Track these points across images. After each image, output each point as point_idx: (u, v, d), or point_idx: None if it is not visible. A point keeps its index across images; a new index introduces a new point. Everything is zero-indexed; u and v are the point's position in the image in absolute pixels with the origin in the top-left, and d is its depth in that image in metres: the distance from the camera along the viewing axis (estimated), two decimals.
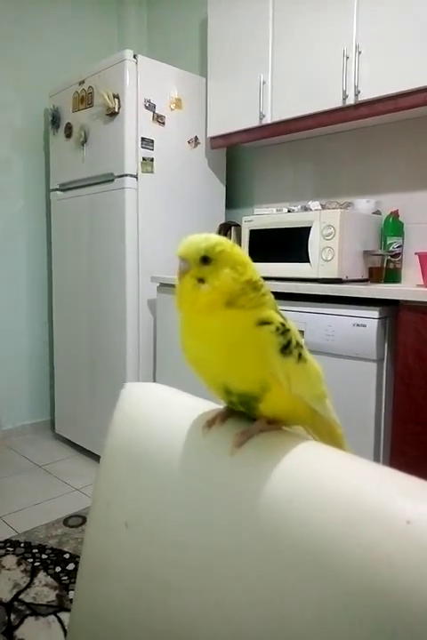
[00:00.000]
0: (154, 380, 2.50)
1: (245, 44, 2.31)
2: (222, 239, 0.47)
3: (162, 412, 0.56)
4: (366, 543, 0.34)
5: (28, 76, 2.91)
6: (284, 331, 0.46)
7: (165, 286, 2.33)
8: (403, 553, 0.33)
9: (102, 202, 2.48)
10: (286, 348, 0.46)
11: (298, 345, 0.48)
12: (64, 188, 2.74)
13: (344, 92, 1.96)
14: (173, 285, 2.28)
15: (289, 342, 0.46)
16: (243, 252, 0.48)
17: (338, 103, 1.99)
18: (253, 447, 0.47)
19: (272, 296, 0.49)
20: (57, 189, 2.79)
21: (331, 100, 2.01)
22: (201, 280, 0.45)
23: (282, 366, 0.46)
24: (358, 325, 1.69)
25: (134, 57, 2.32)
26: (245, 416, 0.50)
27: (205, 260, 0.45)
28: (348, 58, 1.93)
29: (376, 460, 1.71)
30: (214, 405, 0.54)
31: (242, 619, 0.42)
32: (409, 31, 1.78)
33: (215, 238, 0.46)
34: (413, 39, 1.78)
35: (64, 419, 2.90)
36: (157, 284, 2.39)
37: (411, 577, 0.32)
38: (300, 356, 0.48)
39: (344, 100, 1.97)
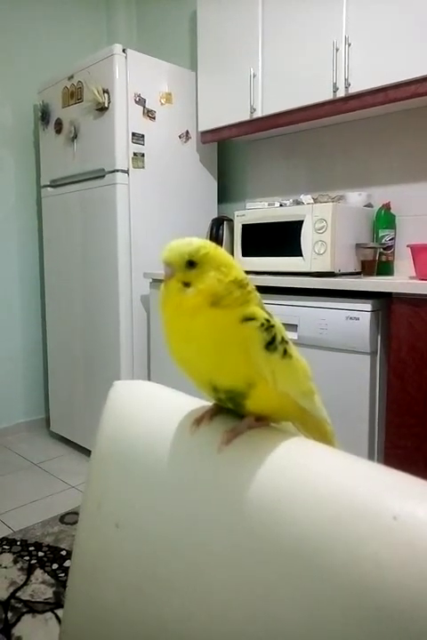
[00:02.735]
0: (148, 376, 2.50)
1: (235, 37, 2.30)
2: (205, 242, 0.47)
3: (151, 410, 0.56)
4: (354, 540, 0.34)
5: (16, 72, 2.88)
6: (268, 327, 0.46)
7: (158, 282, 2.32)
8: (390, 549, 0.33)
9: (93, 197, 2.46)
10: (270, 344, 0.46)
11: (283, 341, 0.48)
12: (55, 184, 2.73)
13: (335, 85, 1.95)
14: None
15: (274, 338, 0.46)
16: (226, 252, 0.48)
17: (329, 96, 1.98)
18: (242, 444, 0.46)
19: (257, 293, 0.49)
20: (48, 186, 2.77)
21: (322, 93, 2.00)
22: (187, 284, 0.45)
23: (267, 362, 0.46)
24: (351, 318, 1.69)
25: (124, 51, 2.30)
26: (233, 413, 0.50)
27: (191, 263, 0.45)
28: (338, 50, 1.93)
29: (371, 453, 1.71)
30: (203, 402, 0.54)
31: (232, 616, 0.41)
32: (399, 23, 1.78)
33: (198, 242, 0.46)
34: (403, 31, 1.77)
35: (59, 416, 2.89)
36: (150, 280, 2.38)
37: (398, 573, 0.32)
38: (285, 352, 0.48)
39: (335, 92, 1.96)
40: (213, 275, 0.45)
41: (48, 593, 1.59)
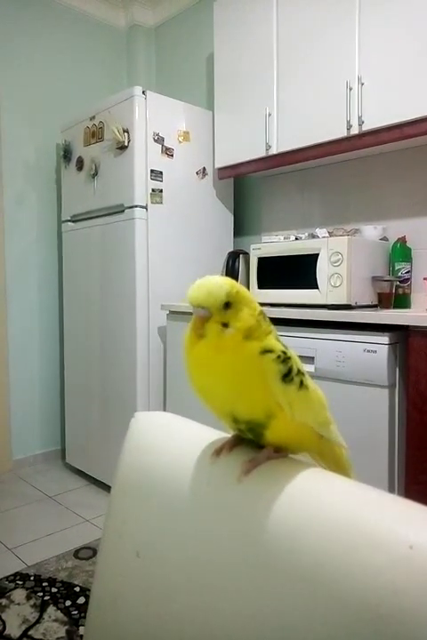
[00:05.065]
0: (164, 408, 2.50)
1: (251, 77, 2.38)
2: (232, 281, 0.49)
3: (171, 441, 0.57)
4: (370, 569, 0.34)
5: (41, 113, 3.01)
6: (284, 359, 0.48)
7: (175, 314, 2.35)
8: (406, 578, 0.33)
9: (113, 232, 2.52)
10: (287, 376, 0.48)
11: (299, 373, 0.49)
12: (75, 219, 2.80)
13: (348, 123, 1.99)
14: (181, 313, 2.31)
15: (290, 370, 0.48)
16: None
17: (342, 133, 2.02)
18: (261, 475, 0.47)
19: (272, 325, 0.51)
20: (68, 220, 2.85)
21: (335, 131, 2.05)
22: (225, 324, 0.47)
23: (284, 393, 0.47)
24: (368, 351, 1.68)
25: (143, 93, 2.39)
26: (252, 444, 0.51)
27: (227, 305, 0.47)
28: (351, 89, 1.98)
29: (391, 487, 1.68)
30: (223, 434, 0.55)
31: None
32: (411, 61, 1.82)
33: (229, 282, 0.48)
34: (415, 69, 1.81)
35: (75, 448, 2.90)
36: (167, 312, 2.41)
37: (415, 601, 0.32)
38: (301, 383, 0.49)
39: (348, 129, 2.00)
40: (247, 311, 0.47)
41: (61, 631, 1.55)
